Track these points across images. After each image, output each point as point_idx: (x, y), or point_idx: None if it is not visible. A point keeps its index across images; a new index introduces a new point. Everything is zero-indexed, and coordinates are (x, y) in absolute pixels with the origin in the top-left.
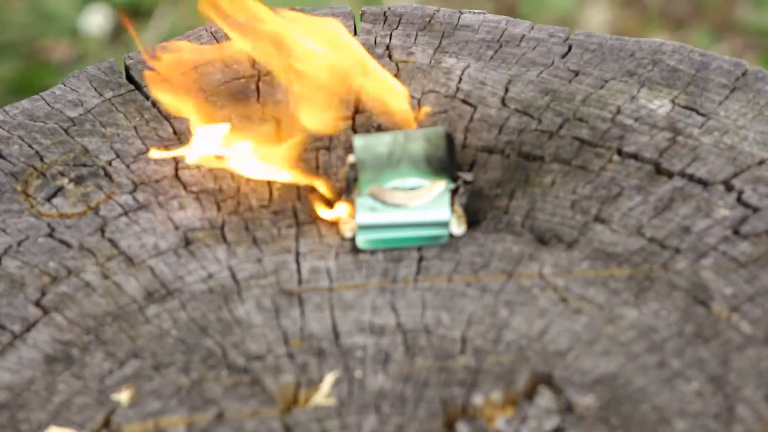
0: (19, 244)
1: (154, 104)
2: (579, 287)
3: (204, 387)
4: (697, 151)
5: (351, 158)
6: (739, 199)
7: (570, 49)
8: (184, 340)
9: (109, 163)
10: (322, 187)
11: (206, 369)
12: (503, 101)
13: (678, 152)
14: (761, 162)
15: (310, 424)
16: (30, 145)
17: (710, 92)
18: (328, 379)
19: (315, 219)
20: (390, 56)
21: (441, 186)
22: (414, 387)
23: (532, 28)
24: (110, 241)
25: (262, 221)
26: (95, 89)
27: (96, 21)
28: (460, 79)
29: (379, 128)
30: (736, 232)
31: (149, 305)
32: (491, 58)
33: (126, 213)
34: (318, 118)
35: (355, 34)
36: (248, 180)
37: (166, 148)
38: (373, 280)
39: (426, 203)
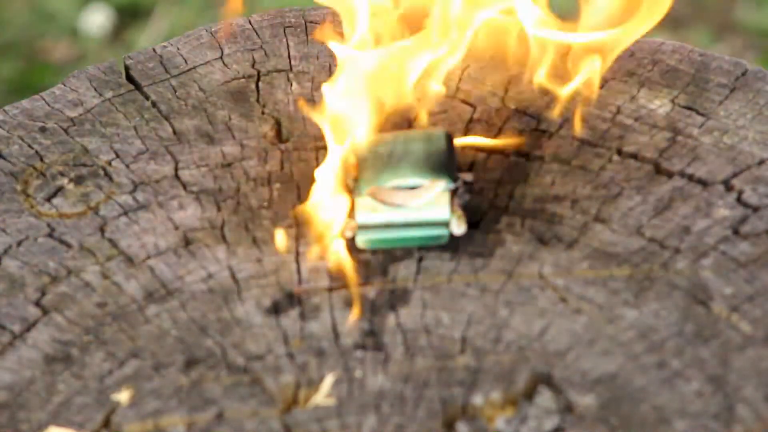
0: (19, 244)
1: (154, 104)
2: (579, 287)
3: (204, 387)
4: (697, 151)
5: (351, 158)
6: (739, 199)
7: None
8: (184, 340)
9: (109, 163)
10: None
11: (206, 369)
12: (503, 101)
13: (678, 152)
14: (761, 162)
15: (310, 424)
16: (30, 145)
17: (710, 92)
18: (328, 380)
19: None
20: None
21: (441, 186)
22: (414, 387)
23: None
24: (110, 241)
25: (262, 221)
26: (95, 89)
27: (96, 21)
28: (460, 79)
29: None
30: (736, 232)
31: (149, 305)
32: (491, 57)
33: (126, 213)
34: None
35: None
36: (248, 180)
37: (167, 149)
38: (373, 280)
39: (426, 203)
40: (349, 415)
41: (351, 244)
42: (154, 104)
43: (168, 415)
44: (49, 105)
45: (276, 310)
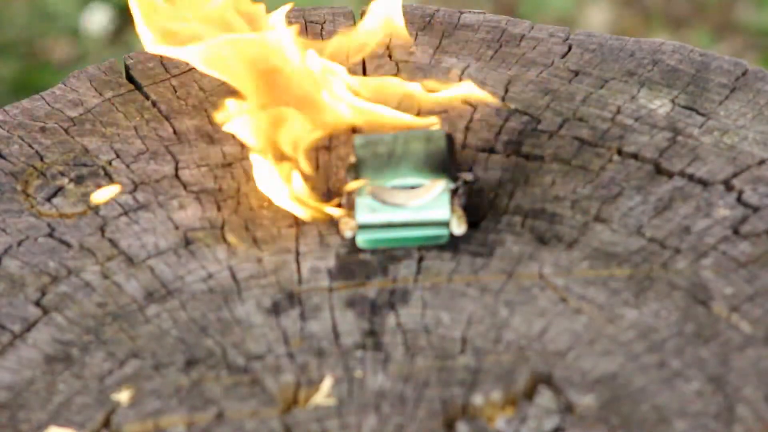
0: (19, 244)
1: (154, 104)
2: (579, 287)
3: (204, 387)
4: (697, 151)
5: (351, 158)
6: (739, 199)
7: (570, 49)
8: (184, 340)
9: (109, 163)
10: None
11: (206, 369)
12: (503, 101)
13: (678, 152)
14: (761, 162)
15: (310, 424)
16: (30, 145)
17: (710, 92)
18: (327, 381)
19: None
20: (390, 56)
21: (441, 186)
22: (414, 387)
23: (532, 28)
24: (110, 241)
25: (262, 221)
26: (95, 89)
27: (96, 21)
28: (460, 80)
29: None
30: (736, 232)
31: (149, 305)
32: (491, 58)
33: (126, 213)
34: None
35: None
36: (248, 180)
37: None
38: (373, 280)
39: (426, 203)
40: (349, 415)
41: (351, 243)
42: (154, 104)
43: (168, 415)
44: (49, 105)
45: (276, 310)
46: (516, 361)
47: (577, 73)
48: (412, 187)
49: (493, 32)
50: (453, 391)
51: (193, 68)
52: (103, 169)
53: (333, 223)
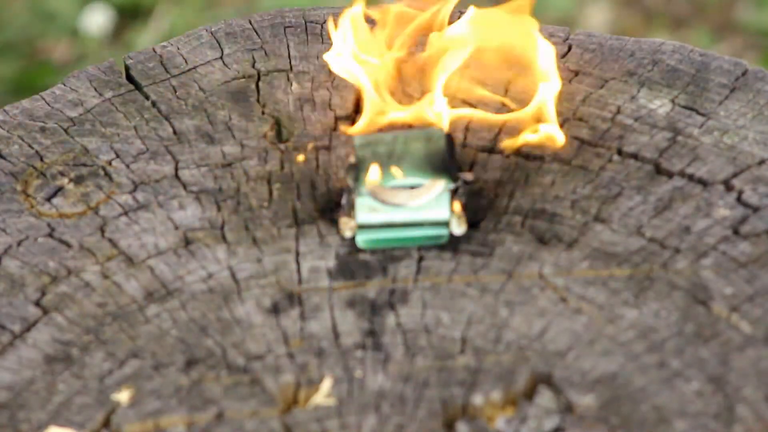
0: (19, 244)
1: (154, 104)
2: (579, 287)
3: (204, 387)
4: (697, 151)
5: (351, 158)
6: (739, 199)
7: (570, 49)
8: (184, 340)
9: (109, 163)
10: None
11: (206, 369)
12: (503, 101)
13: (678, 152)
14: (761, 162)
15: (310, 424)
16: (30, 145)
17: (710, 92)
18: (327, 382)
19: (315, 219)
20: None
21: (441, 186)
22: (414, 387)
23: None
24: (110, 240)
25: (262, 221)
26: (95, 89)
27: (96, 21)
28: (461, 79)
29: (380, 129)
30: (736, 232)
31: (149, 305)
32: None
33: (126, 213)
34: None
35: None
36: (248, 180)
37: (166, 147)
38: (373, 280)
39: (426, 203)
40: (349, 415)
41: (351, 243)
42: (154, 104)
43: (168, 415)
44: (49, 105)
45: (276, 310)
46: (516, 361)
47: (577, 73)
48: (412, 187)
49: None
50: (453, 391)
51: (193, 68)
52: (103, 169)
53: (333, 222)
